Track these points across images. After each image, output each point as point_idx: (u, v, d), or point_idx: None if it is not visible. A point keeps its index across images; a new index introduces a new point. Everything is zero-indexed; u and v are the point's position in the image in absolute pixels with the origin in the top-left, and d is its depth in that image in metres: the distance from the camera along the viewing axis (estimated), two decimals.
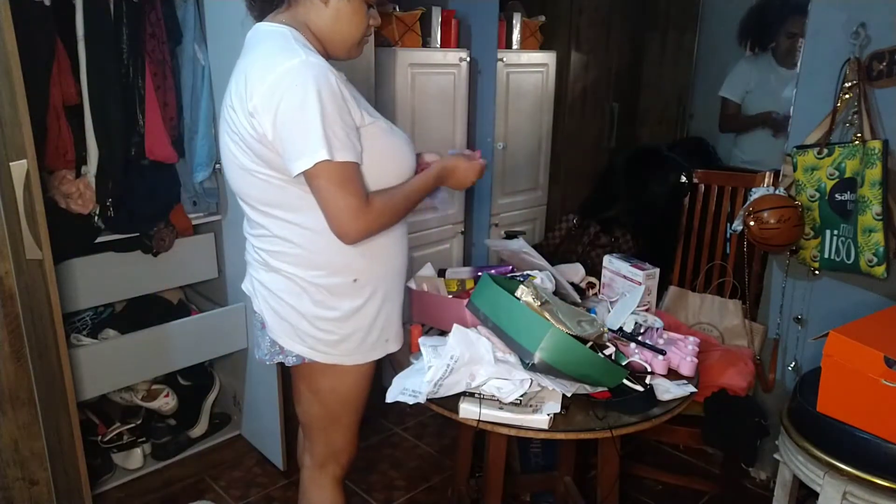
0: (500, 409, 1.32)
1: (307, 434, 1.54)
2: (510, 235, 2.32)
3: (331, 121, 1.18)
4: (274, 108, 1.18)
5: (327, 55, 1.33)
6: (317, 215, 1.26)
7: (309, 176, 1.20)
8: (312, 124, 1.17)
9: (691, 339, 1.58)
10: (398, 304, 1.46)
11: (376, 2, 1.36)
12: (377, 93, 2.42)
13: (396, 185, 1.33)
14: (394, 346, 1.46)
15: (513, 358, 1.35)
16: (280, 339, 1.38)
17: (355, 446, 1.53)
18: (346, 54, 1.37)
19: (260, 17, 1.34)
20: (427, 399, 1.33)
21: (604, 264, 1.84)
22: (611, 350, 1.47)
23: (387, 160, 1.33)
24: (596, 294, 1.84)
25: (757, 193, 1.94)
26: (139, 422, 2.30)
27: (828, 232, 1.90)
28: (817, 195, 1.89)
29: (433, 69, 2.59)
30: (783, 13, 2.78)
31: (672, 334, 1.62)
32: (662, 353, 1.51)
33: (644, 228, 2.88)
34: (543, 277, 1.65)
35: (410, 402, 1.34)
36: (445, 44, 2.67)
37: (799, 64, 2.02)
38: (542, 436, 1.32)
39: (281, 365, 2.15)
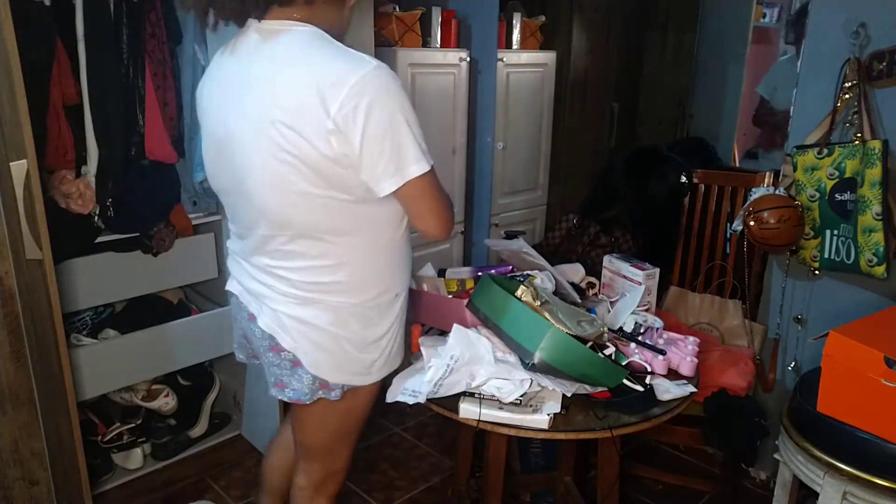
0: (500, 409, 1.32)
1: (307, 457, 1.47)
2: (510, 235, 2.32)
3: (416, 129, 1.14)
4: (362, 125, 1.09)
5: None
6: (371, 237, 1.24)
7: (403, 187, 1.16)
8: (407, 138, 1.13)
9: (691, 339, 1.58)
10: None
11: None
12: None
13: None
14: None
15: (513, 358, 1.35)
16: (325, 373, 1.28)
17: (350, 465, 1.50)
18: (342, 35, 1.29)
19: (260, 15, 1.18)
20: (427, 399, 1.33)
21: (604, 264, 1.84)
22: (611, 350, 1.47)
23: None
24: (596, 294, 1.84)
25: (757, 193, 1.94)
26: (139, 422, 2.29)
27: (828, 232, 1.90)
28: (817, 195, 1.89)
29: (433, 69, 2.59)
30: None
31: (672, 334, 1.62)
32: (662, 353, 1.51)
33: (644, 228, 2.87)
34: (543, 277, 1.65)
35: (410, 402, 1.34)
36: (445, 44, 2.67)
37: (799, 64, 2.02)
38: (542, 436, 1.32)
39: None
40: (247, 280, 1.34)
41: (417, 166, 1.15)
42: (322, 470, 1.46)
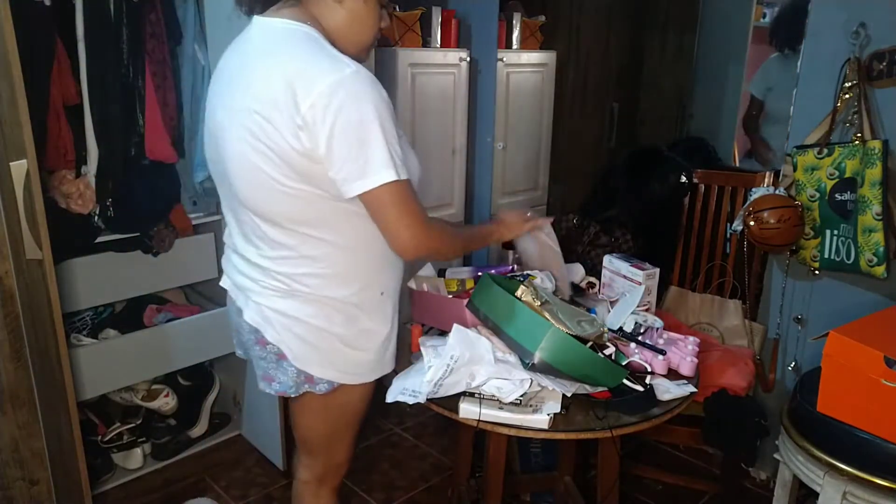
0: (500, 409, 1.32)
1: (308, 451, 1.50)
2: None
3: (390, 138, 1.13)
4: (330, 124, 1.09)
5: None
6: (350, 231, 1.23)
7: (370, 195, 1.15)
8: (376, 143, 1.12)
9: (691, 339, 1.58)
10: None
11: (387, 3, 1.30)
12: None
13: (456, 224, 1.39)
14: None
15: (513, 358, 1.35)
16: (310, 367, 1.29)
17: (352, 456, 1.52)
18: (358, 56, 1.27)
19: (262, 9, 1.23)
20: (427, 399, 1.33)
21: (604, 264, 1.84)
22: (611, 350, 1.47)
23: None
24: (596, 293, 1.84)
25: (757, 193, 1.94)
26: (139, 422, 2.30)
27: (828, 232, 1.90)
28: (817, 195, 1.89)
29: (433, 69, 2.59)
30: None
31: (672, 334, 1.62)
32: (662, 353, 1.51)
33: (644, 228, 2.87)
34: (543, 277, 1.65)
35: (410, 402, 1.34)
36: (445, 44, 2.67)
37: (799, 64, 2.02)
38: (542, 436, 1.31)
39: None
40: (235, 274, 1.35)
41: (384, 174, 1.13)
42: (323, 464, 1.48)
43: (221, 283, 1.43)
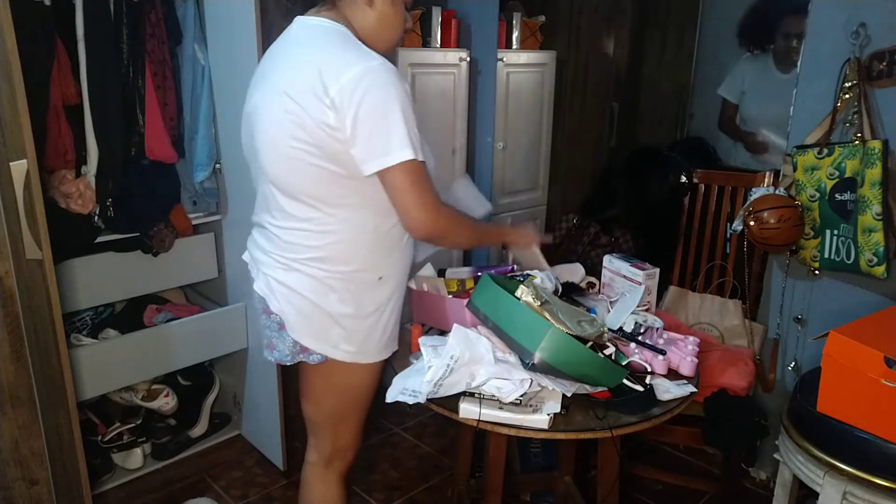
0: (500, 408, 1.32)
1: (315, 431, 1.56)
2: None
3: (410, 122, 1.24)
4: (356, 106, 1.20)
5: None
6: (362, 211, 1.32)
7: (389, 173, 1.24)
8: (396, 124, 1.22)
9: (691, 339, 1.58)
10: (402, 302, 1.51)
11: (412, 6, 1.43)
12: None
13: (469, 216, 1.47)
14: (396, 345, 1.50)
15: (513, 358, 1.35)
16: (303, 338, 1.38)
17: (360, 441, 1.56)
18: (385, 54, 1.36)
19: (303, 9, 1.37)
20: (427, 399, 1.33)
21: (604, 264, 1.84)
22: (611, 350, 1.47)
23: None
24: (596, 293, 1.84)
25: (757, 193, 1.94)
26: (139, 422, 2.30)
27: (828, 232, 1.90)
28: (817, 195, 1.89)
29: (433, 69, 2.59)
30: (781, 13, 2.77)
31: (672, 334, 1.62)
32: (662, 353, 1.51)
33: (644, 228, 2.88)
34: (543, 277, 1.65)
35: (410, 402, 1.34)
36: (445, 44, 2.67)
37: (799, 64, 2.02)
38: (542, 436, 1.31)
39: (282, 365, 2.16)
40: (253, 248, 1.47)
41: (402, 153, 1.23)
42: (330, 445, 1.53)
43: (243, 257, 1.53)
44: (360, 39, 1.33)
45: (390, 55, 1.36)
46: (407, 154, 1.23)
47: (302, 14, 1.36)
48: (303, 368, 1.49)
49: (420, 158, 1.25)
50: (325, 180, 1.28)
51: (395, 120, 1.22)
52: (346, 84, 1.20)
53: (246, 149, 1.44)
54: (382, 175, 1.26)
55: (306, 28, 1.33)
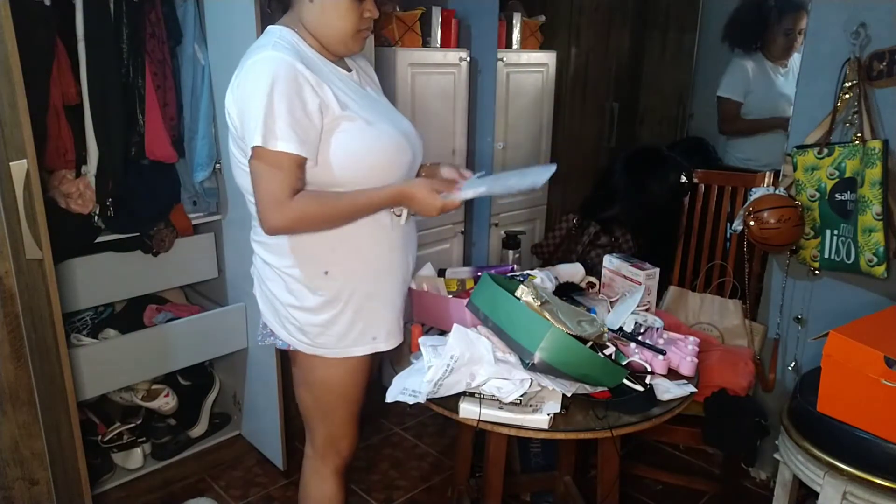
0: (500, 408, 1.32)
1: (305, 423, 1.57)
2: (510, 235, 2.32)
3: (274, 110, 1.23)
4: (236, 98, 1.29)
5: (327, 50, 1.38)
6: None
7: (249, 159, 1.28)
8: (255, 110, 1.23)
9: (691, 339, 1.58)
10: (390, 302, 1.46)
11: None
12: None
13: (344, 192, 1.32)
14: (384, 345, 1.46)
15: (513, 358, 1.35)
16: (268, 321, 1.47)
17: (355, 436, 1.55)
18: (345, 48, 1.38)
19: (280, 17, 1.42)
20: (427, 399, 1.33)
21: (604, 264, 1.84)
22: (611, 350, 1.47)
23: (362, 155, 1.33)
24: (596, 293, 1.84)
25: (757, 193, 1.94)
26: (139, 422, 2.29)
27: (828, 232, 1.90)
28: (817, 195, 1.89)
29: (433, 69, 2.59)
30: (781, 11, 2.80)
31: (672, 334, 1.62)
32: (662, 353, 1.51)
33: (644, 228, 2.87)
34: (543, 277, 1.65)
35: (410, 402, 1.34)
36: (445, 44, 2.67)
37: (799, 64, 2.02)
38: (542, 436, 1.32)
39: (281, 364, 2.16)
40: None
41: (255, 139, 1.23)
42: (322, 438, 1.54)
43: (252, 270, 1.57)
44: (312, 38, 1.36)
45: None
46: (256, 139, 1.23)
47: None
48: (290, 358, 1.53)
49: (272, 147, 1.23)
50: (245, 176, 1.33)
51: (256, 105, 1.23)
52: (235, 82, 1.30)
53: None
54: (248, 161, 1.30)
55: (264, 35, 1.38)
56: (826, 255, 1.91)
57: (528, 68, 2.98)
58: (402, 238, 1.45)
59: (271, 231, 1.31)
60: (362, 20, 1.35)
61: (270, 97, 1.22)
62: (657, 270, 1.75)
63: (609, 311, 1.67)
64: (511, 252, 2.28)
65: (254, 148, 1.25)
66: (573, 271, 1.84)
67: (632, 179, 2.92)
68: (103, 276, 2.09)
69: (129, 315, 2.26)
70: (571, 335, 1.31)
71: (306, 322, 1.40)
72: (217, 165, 2.18)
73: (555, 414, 1.31)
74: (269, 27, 1.38)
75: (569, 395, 1.34)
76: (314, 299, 1.38)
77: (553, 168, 1.44)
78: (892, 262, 1.79)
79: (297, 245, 1.36)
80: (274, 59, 1.25)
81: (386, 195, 1.34)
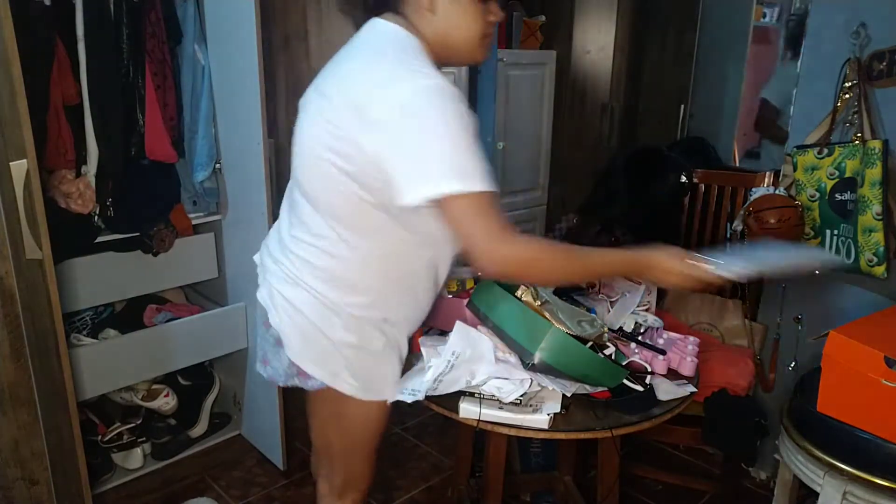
0: (500, 408, 1.32)
1: (325, 462, 1.47)
2: None
3: (462, 148, 1.08)
4: (399, 129, 1.08)
5: (445, 63, 1.24)
6: (382, 243, 1.22)
7: (442, 204, 1.10)
8: (441, 151, 1.08)
9: (691, 339, 1.58)
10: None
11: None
12: None
13: (576, 247, 1.19)
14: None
15: (513, 358, 1.35)
16: (303, 362, 1.27)
17: (374, 470, 1.47)
18: (471, 57, 1.26)
19: (375, 9, 1.23)
20: (426, 396, 1.33)
21: None
22: (611, 350, 1.47)
23: None
24: (596, 293, 1.84)
25: (757, 193, 1.94)
26: (139, 422, 2.29)
27: (828, 232, 1.90)
28: (817, 195, 1.89)
29: None
30: None
31: (672, 334, 1.62)
32: (662, 353, 1.51)
33: (644, 228, 2.87)
34: None
35: (409, 401, 1.34)
36: None
37: (799, 64, 2.02)
38: (542, 436, 1.31)
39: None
40: (264, 251, 1.37)
41: (447, 183, 1.07)
42: (342, 478, 1.44)
43: (254, 258, 1.44)
44: (433, 51, 1.20)
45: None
46: (453, 185, 1.07)
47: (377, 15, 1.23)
48: (312, 393, 1.37)
49: (475, 189, 1.08)
50: (349, 201, 1.17)
51: (439, 146, 1.08)
52: (392, 104, 1.08)
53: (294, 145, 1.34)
54: (441, 208, 1.11)
55: (374, 32, 1.21)
56: None
57: (528, 68, 2.98)
58: (436, 288, 1.38)
59: (496, 265, 1.13)
60: (488, 24, 1.23)
61: (456, 136, 1.08)
62: None
63: (609, 311, 1.67)
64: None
65: (449, 196, 1.08)
66: None
67: (632, 179, 2.92)
68: (103, 276, 2.09)
69: (129, 315, 2.26)
70: (571, 335, 1.31)
71: (360, 362, 1.28)
72: (217, 165, 2.18)
73: (555, 414, 1.31)
74: (391, 28, 1.19)
75: (569, 395, 1.34)
76: (375, 341, 1.28)
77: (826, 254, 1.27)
78: (892, 262, 1.79)
79: (369, 286, 1.25)
80: (443, 90, 1.09)
81: (629, 262, 1.24)
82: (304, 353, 1.27)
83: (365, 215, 1.18)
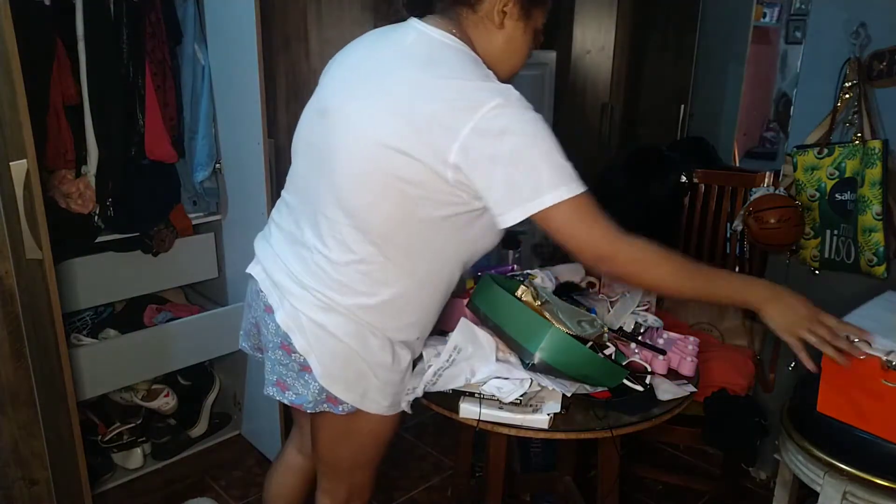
0: (500, 408, 1.31)
1: (329, 476, 1.42)
2: (510, 235, 2.32)
3: (556, 155, 1.12)
4: (493, 147, 1.07)
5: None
6: (428, 268, 1.21)
7: (546, 216, 1.10)
8: (544, 164, 1.10)
9: (691, 339, 1.58)
10: None
11: (542, 29, 1.27)
12: None
13: (693, 261, 1.22)
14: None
15: (513, 358, 1.35)
16: (335, 387, 1.21)
17: (375, 479, 1.45)
18: (513, 72, 1.28)
19: (420, 12, 1.21)
20: (425, 391, 1.33)
21: None
22: (611, 350, 1.47)
23: None
24: (596, 293, 1.84)
25: (757, 193, 1.94)
26: (139, 422, 2.30)
27: (828, 232, 1.90)
28: (817, 195, 1.89)
29: None
30: None
31: (672, 334, 1.62)
32: (662, 353, 1.51)
33: (644, 228, 2.87)
34: (544, 277, 1.65)
35: (410, 400, 1.34)
36: None
37: (799, 64, 2.02)
38: (542, 436, 1.31)
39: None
40: (274, 269, 1.26)
41: (556, 192, 1.10)
42: (346, 490, 1.42)
43: (249, 270, 1.34)
44: (484, 61, 1.19)
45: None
46: (562, 193, 1.08)
47: (419, 16, 1.21)
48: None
49: (576, 191, 1.10)
50: (409, 226, 1.14)
51: (541, 158, 1.09)
52: (480, 122, 1.06)
53: (303, 148, 1.27)
54: (540, 220, 1.11)
55: (427, 41, 1.16)
56: (826, 255, 1.91)
57: (528, 68, 2.97)
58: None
59: (618, 266, 1.17)
60: (537, 34, 1.27)
61: (549, 144, 1.11)
62: None
63: (609, 311, 1.67)
64: (511, 252, 2.28)
65: (552, 207, 1.09)
66: (573, 271, 1.84)
67: (632, 180, 2.92)
68: (103, 276, 2.09)
69: (129, 315, 2.26)
70: (571, 335, 1.31)
71: (390, 381, 1.26)
72: (217, 165, 2.18)
73: (555, 414, 1.31)
74: (446, 38, 1.16)
75: (569, 395, 1.34)
76: (407, 357, 1.28)
77: None
78: (892, 262, 1.79)
79: (414, 309, 1.24)
80: (522, 102, 1.12)
81: (750, 286, 1.24)
82: (338, 377, 1.22)
83: (428, 239, 1.17)
